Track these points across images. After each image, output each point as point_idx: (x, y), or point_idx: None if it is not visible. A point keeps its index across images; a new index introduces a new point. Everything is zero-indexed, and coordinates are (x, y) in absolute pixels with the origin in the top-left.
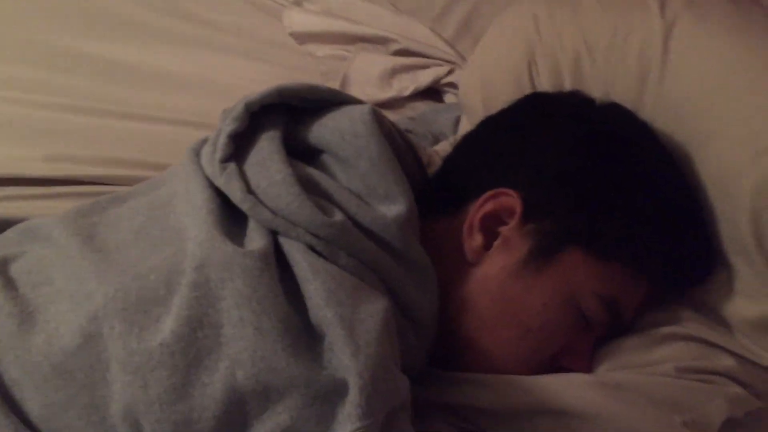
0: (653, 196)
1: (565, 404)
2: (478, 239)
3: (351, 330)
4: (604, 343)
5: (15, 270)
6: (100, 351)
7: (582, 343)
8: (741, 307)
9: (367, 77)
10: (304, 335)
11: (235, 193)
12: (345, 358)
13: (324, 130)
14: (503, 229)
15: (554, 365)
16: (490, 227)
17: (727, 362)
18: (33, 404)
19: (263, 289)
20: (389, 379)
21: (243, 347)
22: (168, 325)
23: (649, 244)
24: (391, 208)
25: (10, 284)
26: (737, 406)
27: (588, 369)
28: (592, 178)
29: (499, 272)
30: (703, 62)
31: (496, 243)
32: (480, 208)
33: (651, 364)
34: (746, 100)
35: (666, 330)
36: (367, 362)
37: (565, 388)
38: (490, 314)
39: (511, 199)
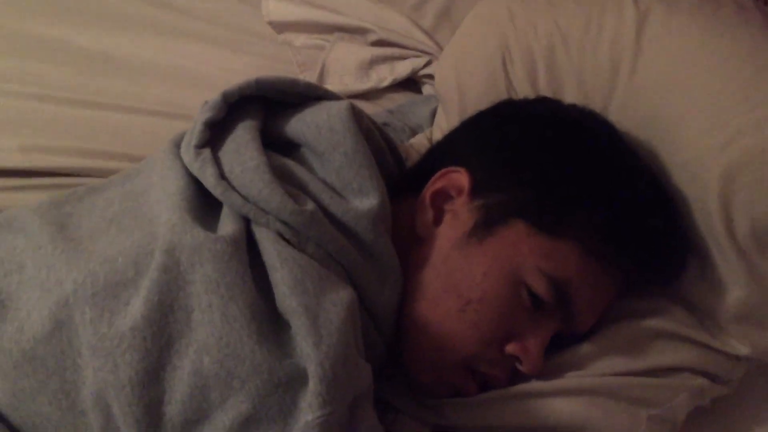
0: (612, 180)
1: (548, 420)
2: (428, 214)
3: (314, 319)
4: (569, 348)
5: None
6: (71, 337)
7: (534, 332)
8: (711, 296)
9: (345, 67)
10: (271, 323)
11: (209, 178)
12: (307, 348)
13: (302, 125)
14: (452, 204)
15: (503, 353)
16: (441, 204)
17: (692, 355)
18: (1, 392)
19: (231, 274)
20: (351, 367)
21: (210, 332)
22: (138, 308)
23: (603, 222)
24: (364, 201)
25: None
26: (701, 397)
27: (536, 362)
28: (542, 154)
29: (444, 245)
30: (674, 52)
31: (445, 218)
32: (432, 185)
33: (620, 366)
34: (716, 88)
35: (633, 327)
36: (328, 352)
37: (544, 404)
38: (431, 287)
39: (460, 176)
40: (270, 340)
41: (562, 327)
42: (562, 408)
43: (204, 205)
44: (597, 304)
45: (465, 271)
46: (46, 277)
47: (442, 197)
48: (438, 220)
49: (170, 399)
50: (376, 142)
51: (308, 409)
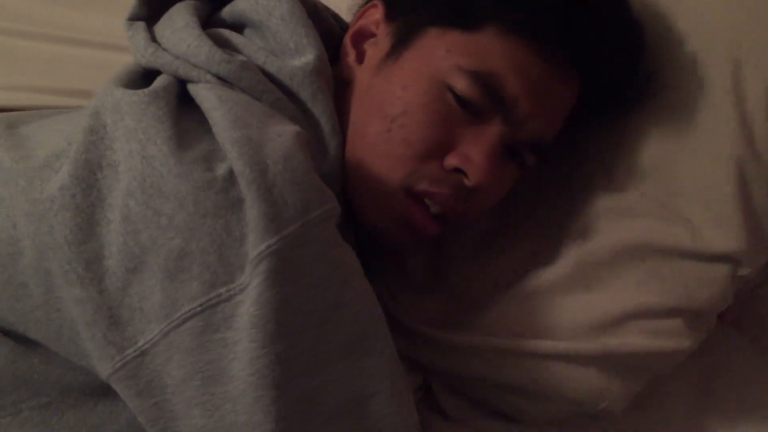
0: None
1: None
2: (351, 54)
3: (258, 148)
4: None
5: None
6: (7, 209)
7: (474, 140)
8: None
9: None
10: (204, 161)
11: (140, 42)
12: (249, 173)
13: (242, 4)
14: (372, 39)
15: (446, 170)
16: (363, 43)
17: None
18: None
19: (148, 119)
20: (303, 189)
21: (133, 177)
22: (66, 169)
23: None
24: (300, 59)
25: None
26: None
27: (481, 170)
28: None
29: (366, 76)
30: None
31: (367, 54)
32: (351, 27)
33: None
34: None
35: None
36: (275, 179)
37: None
38: (359, 121)
39: (375, 9)
40: (197, 174)
41: (508, 130)
42: (581, 375)
43: (141, 80)
44: (542, 99)
45: (386, 91)
46: None
47: (363, 36)
48: (361, 59)
49: (110, 253)
50: (314, 5)
51: (257, 241)
